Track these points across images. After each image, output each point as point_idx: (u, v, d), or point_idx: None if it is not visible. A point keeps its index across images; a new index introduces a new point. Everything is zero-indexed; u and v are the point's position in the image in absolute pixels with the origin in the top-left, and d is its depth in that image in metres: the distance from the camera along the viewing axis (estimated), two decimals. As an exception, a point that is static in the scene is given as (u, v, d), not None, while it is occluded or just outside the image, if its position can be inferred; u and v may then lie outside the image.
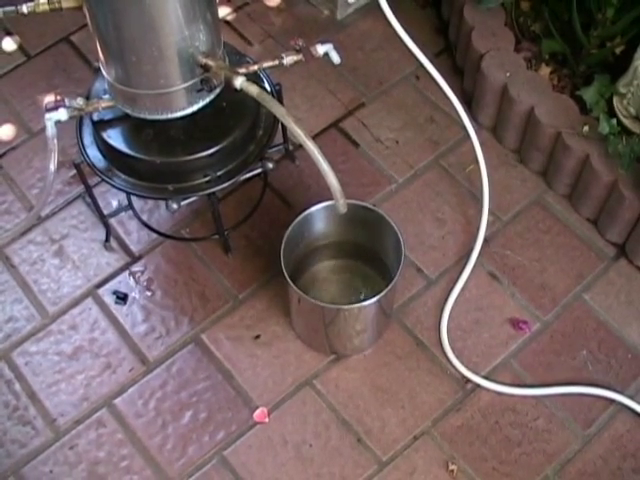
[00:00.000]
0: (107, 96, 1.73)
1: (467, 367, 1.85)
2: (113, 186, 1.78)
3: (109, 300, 1.97)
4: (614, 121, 1.88)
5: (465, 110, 2.01)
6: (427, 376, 1.86)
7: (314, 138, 1.48)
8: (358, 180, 2.11)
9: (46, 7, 1.65)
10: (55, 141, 1.66)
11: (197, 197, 1.84)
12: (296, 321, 1.89)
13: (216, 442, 1.80)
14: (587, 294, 1.95)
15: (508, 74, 2.05)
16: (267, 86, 1.86)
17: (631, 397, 1.81)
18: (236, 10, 2.43)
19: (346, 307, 1.75)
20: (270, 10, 2.43)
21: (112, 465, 1.78)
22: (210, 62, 1.59)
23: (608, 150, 1.88)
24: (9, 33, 2.40)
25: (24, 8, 1.65)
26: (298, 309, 1.83)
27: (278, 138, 1.92)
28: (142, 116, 1.69)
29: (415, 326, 1.92)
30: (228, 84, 1.57)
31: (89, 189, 1.91)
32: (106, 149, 1.78)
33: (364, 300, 1.71)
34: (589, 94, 1.95)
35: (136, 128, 1.74)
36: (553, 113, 1.99)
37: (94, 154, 1.80)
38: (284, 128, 1.99)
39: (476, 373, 1.85)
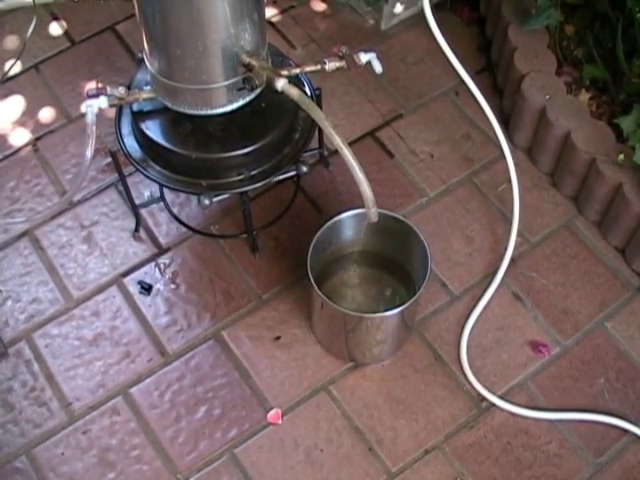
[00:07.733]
0: (148, 87, 1.74)
1: (483, 385, 1.85)
2: (147, 177, 1.79)
3: (133, 290, 1.98)
4: (650, 152, 1.89)
5: (502, 130, 2.01)
6: (443, 391, 1.86)
7: (349, 145, 1.48)
8: (390, 191, 2.11)
9: (97, -6, 1.67)
10: (94, 128, 1.67)
11: (229, 195, 1.85)
12: (317, 326, 1.90)
13: (228, 439, 1.81)
14: (609, 322, 1.95)
15: (547, 97, 2.05)
16: (307, 90, 1.87)
17: (646, 429, 1.82)
18: (282, 12, 2.44)
19: (368, 315, 1.75)
20: (315, 15, 2.44)
21: (123, 453, 1.79)
22: (253, 62, 1.60)
23: (642, 180, 1.88)
24: (56, 18, 2.41)
25: (75, -6, 1.67)
26: (320, 314, 1.83)
27: (314, 143, 1.92)
28: (182, 110, 1.70)
29: (435, 340, 1.92)
30: (269, 85, 1.58)
31: (123, 178, 1.92)
32: (143, 140, 1.79)
33: (389, 309, 1.71)
34: (627, 123, 1.95)
35: (175, 122, 1.76)
36: (589, 139, 1.99)
37: (131, 144, 1.81)
38: (320, 133, 2.00)
39: (492, 392, 1.84)
